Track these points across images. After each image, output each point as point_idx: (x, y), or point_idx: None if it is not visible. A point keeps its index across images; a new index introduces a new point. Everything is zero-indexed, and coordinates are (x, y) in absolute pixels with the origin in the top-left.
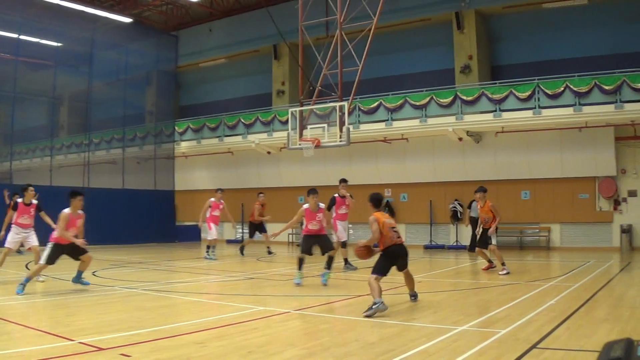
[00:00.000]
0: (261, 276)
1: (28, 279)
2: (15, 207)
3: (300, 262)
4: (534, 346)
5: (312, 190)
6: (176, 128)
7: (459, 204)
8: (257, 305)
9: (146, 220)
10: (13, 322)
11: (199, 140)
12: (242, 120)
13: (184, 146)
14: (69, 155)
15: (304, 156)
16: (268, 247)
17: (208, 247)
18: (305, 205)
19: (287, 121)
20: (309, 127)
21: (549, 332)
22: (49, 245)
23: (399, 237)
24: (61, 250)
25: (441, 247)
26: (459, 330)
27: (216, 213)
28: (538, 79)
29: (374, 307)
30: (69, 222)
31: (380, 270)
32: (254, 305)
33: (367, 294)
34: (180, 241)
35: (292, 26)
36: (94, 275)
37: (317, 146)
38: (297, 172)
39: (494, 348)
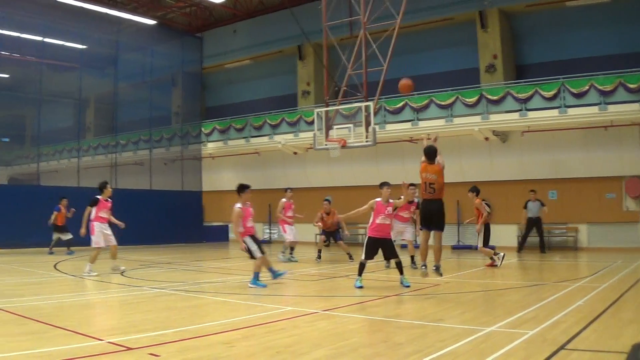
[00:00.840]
0: (289, 277)
1: (257, 274)
2: (95, 203)
3: (362, 267)
4: (561, 347)
5: (385, 183)
6: (202, 129)
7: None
8: (285, 306)
9: (174, 221)
10: (41, 322)
11: (225, 141)
12: (268, 121)
13: (210, 147)
14: (96, 156)
15: (330, 156)
16: (348, 253)
17: (291, 249)
18: (378, 199)
19: (312, 122)
20: (334, 127)
21: (576, 333)
22: (247, 240)
23: (431, 193)
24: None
25: (469, 248)
26: (487, 331)
27: (290, 214)
28: (563, 78)
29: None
30: (244, 216)
31: (422, 224)
32: (282, 306)
33: (395, 294)
34: (207, 242)
35: (316, 27)
36: (123, 275)
37: (343, 146)
38: (323, 173)
39: (522, 349)
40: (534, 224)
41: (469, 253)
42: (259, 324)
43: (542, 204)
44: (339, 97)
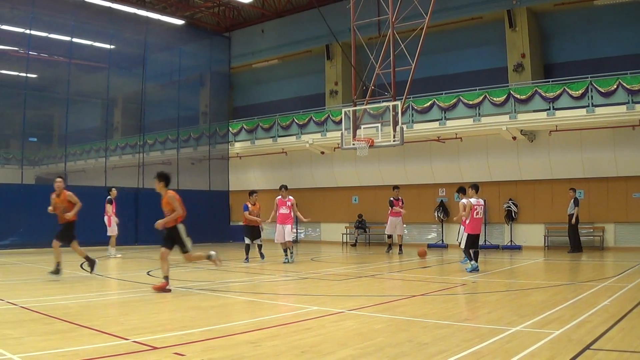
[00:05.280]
0: (315, 276)
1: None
2: None
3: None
4: (587, 347)
5: (474, 185)
6: (230, 129)
7: (513, 203)
8: (311, 305)
9: (201, 220)
10: (67, 321)
11: (252, 140)
12: (296, 121)
13: (238, 147)
14: (124, 156)
15: (357, 156)
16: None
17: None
18: (473, 200)
19: (340, 121)
20: (362, 126)
21: (602, 333)
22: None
23: None
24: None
25: (495, 247)
26: (513, 331)
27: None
28: (591, 77)
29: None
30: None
31: None
32: (308, 305)
33: (421, 294)
34: (234, 241)
35: (344, 26)
36: (149, 275)
37: (371, 146)
38: (351, 172)
39: (547, 349)
40: (568, 221)
41: (495, 252)
42: (285, 323)
43: (575, 204)
44: (366, 96)
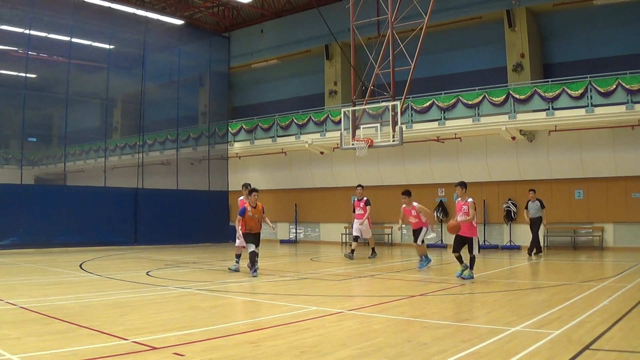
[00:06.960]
0: (315, 276)
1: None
2: None
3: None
4: (587, 347)
5: (462, 183)
6: (229, 129)
7: (512, 203)
8: (311, 305)
9: (200, 220)
10: (67, 321)
11: (252, 140)
12: (295, 121)
13: (237, 147)
14: (123, 156)
15: (356, 156)
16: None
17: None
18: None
19: (339, 121)
20: (361, 126)
21: (602, 333)
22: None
23: None
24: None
25: (495, 247)
26: (512, 331)
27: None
28: (590, 77)
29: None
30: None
31: None
32: (308, 305)
33: (421, 294)
34: (233, 241)
35: (343, 26)
36: (148, 275)
37: (370, 146)
38: (350, 172)
39: (547, 349)
40: (532, 224)
41: (494, 253)
42: (285, 323)
43: (542, 205)
44: (366, 96)
